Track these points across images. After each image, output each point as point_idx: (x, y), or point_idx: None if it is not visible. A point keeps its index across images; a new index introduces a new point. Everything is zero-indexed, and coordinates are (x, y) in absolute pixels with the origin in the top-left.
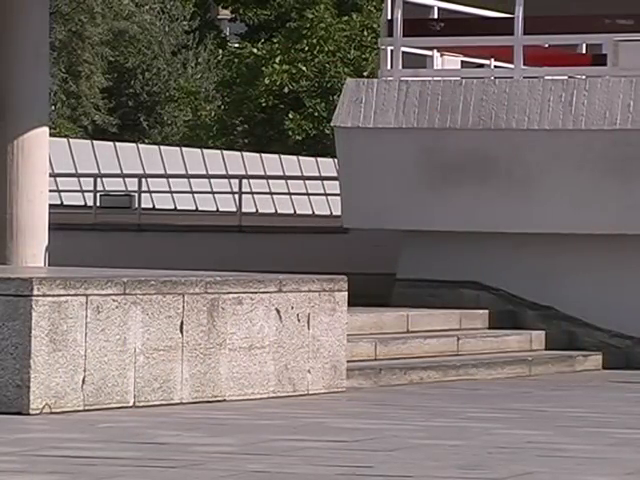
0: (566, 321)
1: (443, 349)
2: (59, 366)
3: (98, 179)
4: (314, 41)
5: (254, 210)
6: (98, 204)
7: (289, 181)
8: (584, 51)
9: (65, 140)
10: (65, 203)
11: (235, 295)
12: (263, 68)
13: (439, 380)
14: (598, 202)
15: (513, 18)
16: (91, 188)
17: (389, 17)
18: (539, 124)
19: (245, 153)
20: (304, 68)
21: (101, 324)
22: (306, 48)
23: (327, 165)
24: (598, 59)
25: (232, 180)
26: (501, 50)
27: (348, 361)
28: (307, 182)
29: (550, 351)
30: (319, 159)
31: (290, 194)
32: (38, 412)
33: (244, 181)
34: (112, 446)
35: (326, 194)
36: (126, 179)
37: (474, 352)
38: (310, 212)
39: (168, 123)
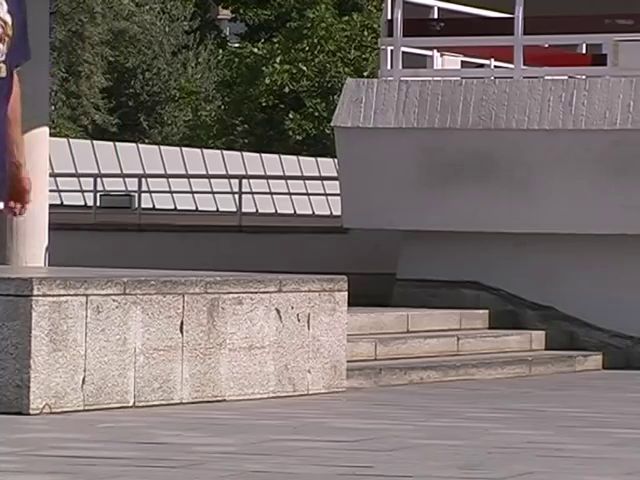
0: (566, 321)
1: (443, 349)
2: (59, 366)
3: (98, 179)
4: (314, 41)
5: (254, 210)
6: (98, 204)
7: (289, 181)
8: (584, 51)
9: (65, 140)
10: (65, 203)
11: (235, 295)
12: (263, 68)
13: (439, 380)
14: (598, 202)
15: (513, 18)
16: (91, 188)
17: (389, 17)
18: (539, 124)
19: (245, 153)
20: (304, 68)
21: (101, 324)
22: (306, 48)
23: (327, 165)
24: (598, 59)
25: (232, 180)
26: (501, 50)
27: (348, 361)
28: (307, 182)
29: (550, 351)
30: (319, 159)
31: (290, 194)
32: (38, 412)
33: (244, 181)
34: (112, 446)
35: (326, 194)
36: (126, 179)
37: (474, 352)
38: (310, 212)
39: (168, 123)
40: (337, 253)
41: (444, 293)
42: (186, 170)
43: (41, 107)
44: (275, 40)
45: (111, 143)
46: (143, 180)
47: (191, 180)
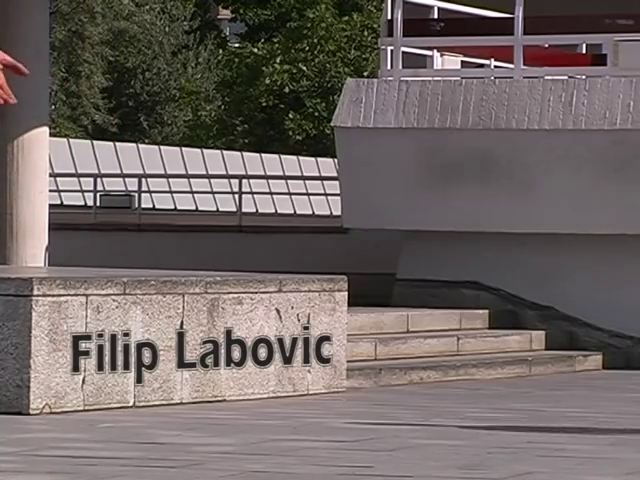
0: (566, 321)
1: (443, 349)
2: (59, 366)
3: (98, 179)
4: (314, 41)
5: (254, 210)
6: (98, 204)
7: (289, 181)
8: (584, 51)
9: (65, 140)
10: (65, 203)
11: (235, 295)
12: (263, 68)
13: (439, 380)
14: (598, 202)
15: (513, 18)
16: (91, 188)
17: (389, 17)
18: (539, 124)
19: (245, 153)
20: (304, 68)
21: (101, 324)
22: (306, 48)
23: (327, 165)
24: (598, 59)
25: (232, 180)
26: (501, 50)
27: (348, 361)
28: (307, 182)
29: (550, 351)
30: (319, 159)
31: (290, 194)
32: (38, 412)
33: (244, 181)
34: (112, 446)
35: (326, 194)
36: (126, 179)
37: (474, 352)
38: (310, 212)
39: (168, 123)
40: (337, 253)
41: (444, 293)
42: (186, 170)
43: (41, 107)
44: (275, 40)
45: (111, 143)
46: (143, 180)
47: (191, 180)
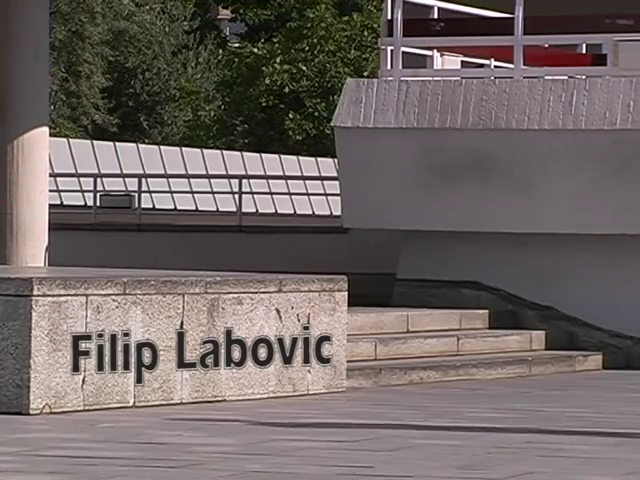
0: (566, 321)
1: (443, 349)
2: (59, 366)
3: (98, 179)
4: (314, 41)
5: (254, 210)
6: (98, 204)
7: (289, 181)
8: (584, 51)
9: (65, 140)
10: (65, 203)
11: (235, 295)
12: (263, 68)
13: (439, 380)
14: (598, 202)
15: (513, 18)
16: (91, 188)
17: (389, 17)
18: (539, 124)
19: (245, 153)
20: (304, 68)
21: (101, 324)
22: (306, 48)
23: (327, 165)
24: (598, 59)
25: (232, 180)
26: (501, 50)
27: (348, 361)
28: (307, 182)
29: (550, 351)
30: (319, 159)
31: (290, 194)
32: (38, 412)
33: (244, 181)
34: (112, 446)
35: (326, 194)
36: (126, 179)
37: (474, 352)
38: (310, 212)
39: (168, 123)
40: (337, 253)
41: (444, 293)
42: (186, 170)
43: (41, 107)
44: (275, 40)
45: (111, 143)
46: (143, 180)
47: (191, 180)
